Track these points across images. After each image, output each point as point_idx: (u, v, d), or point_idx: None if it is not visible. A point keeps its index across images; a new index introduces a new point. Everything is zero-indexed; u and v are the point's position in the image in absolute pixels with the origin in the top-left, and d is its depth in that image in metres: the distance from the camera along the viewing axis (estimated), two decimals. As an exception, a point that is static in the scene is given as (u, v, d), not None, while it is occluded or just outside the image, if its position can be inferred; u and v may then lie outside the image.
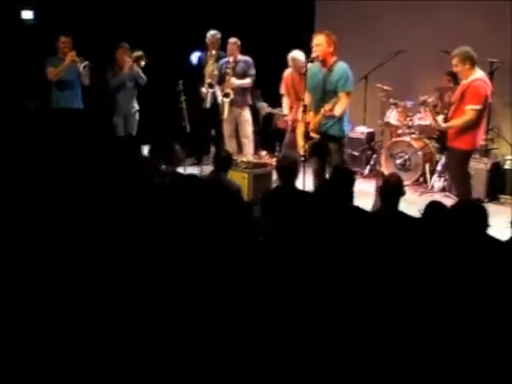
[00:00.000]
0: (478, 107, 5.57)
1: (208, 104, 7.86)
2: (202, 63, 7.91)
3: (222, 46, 7.76)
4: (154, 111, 8.00)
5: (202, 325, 2.86)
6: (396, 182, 4.20)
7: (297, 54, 7.11)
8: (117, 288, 3.12)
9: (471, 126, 5.65)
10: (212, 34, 7.77)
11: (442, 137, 6.29)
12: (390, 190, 4.14)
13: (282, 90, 7.37)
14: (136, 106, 7.68)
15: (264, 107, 8.31)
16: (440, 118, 6.04)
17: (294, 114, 6.87)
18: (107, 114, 7.54)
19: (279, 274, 3.14)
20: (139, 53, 7.52)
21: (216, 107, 7.81)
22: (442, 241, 3.42)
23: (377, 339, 2.76)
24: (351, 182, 4.44)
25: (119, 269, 3.26)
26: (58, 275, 3.22)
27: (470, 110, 5.58)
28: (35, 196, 4.14)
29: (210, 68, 7.79)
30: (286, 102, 7.36)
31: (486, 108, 5.76)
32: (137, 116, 7.69)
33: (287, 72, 7.28)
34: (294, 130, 6.77)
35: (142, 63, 7.52)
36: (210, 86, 7.81)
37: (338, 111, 5.67)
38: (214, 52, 7.77)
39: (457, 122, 5.71)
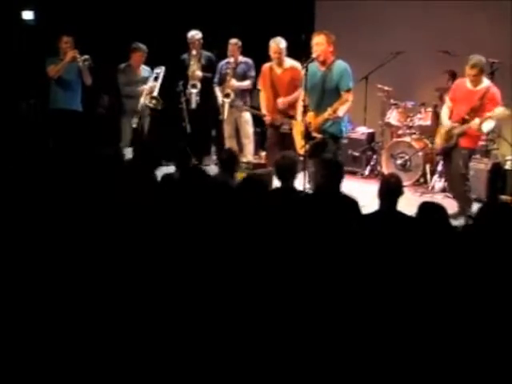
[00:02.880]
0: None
1: (193, 105, 7.85)
2: (184, 65, 7.89)
3: (222, 47, 7.75)
4: (155, 112, 7.99)
5: (201, 324, 2.86)
6: (395, 182, 4.20)
7: (279, 41, 6.65)
8: (118, 286, 3.12)
9: None
10: (192, 34, 7.72)
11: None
12: (389, 190, 4.14)
13: (259, 85, 7.03)
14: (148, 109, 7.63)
15: (240, 106, 7.72)
16: (476, 120, 5.99)
17: (272, 111, 6.71)
18: (115, 115, 7.52)
19: (278, 275, 3.13)
20: (155, 94, 7.45)
21: (216, 108, 7.81)
22: (440, 241, 3.42)
23: (375, 339, 2.76)
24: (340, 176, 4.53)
25: (122, 267, 3.26)
26: (58, 273, 3.22)
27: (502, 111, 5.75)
28: (35, 197, 4.14)
29: (192, 69, 7.78)
30: (263, 97, 6.92)
31: None
32: (149, 117, 7.65)
33: (266, 65, 6.84)
34: (274, 128, 6.69)
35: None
36: (193, 86, 7.80)
37: (341, 112, 5.68)
38: (195, 52, 7.75)
39: (488, 125, 5.88)
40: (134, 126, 7.35)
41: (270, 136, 6.83)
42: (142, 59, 7.47)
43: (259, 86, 6.97)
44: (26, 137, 6.25)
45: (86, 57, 7.10)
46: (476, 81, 5.87)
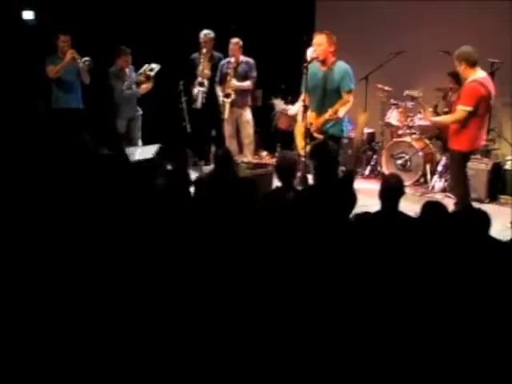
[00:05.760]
0: (467, 108, 5.51)
1: (199, 104, 7.85)
2: (194, 64, 7.90)
3: (222, 47, 7.75)
4: (155, 112, 8.00)
5: (201, 324, 2.86)
6: (396, 183, 4.20)
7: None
8: (118, 287, 3.12)
9: (466, 128, 5.59)
10: (205, 33, 7.74)
11: (443, 136, 6.32)
12: (391, 191, 4.14)
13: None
14: (140, 110, 7.72)
15: (279, 104, 8.19)
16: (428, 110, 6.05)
17: None
18: (109, 116, 7.56)
19: (279, 274, 3.13)
20: (152, 74, 7.55)
21: (216, 107, 7.81)
22: (442, 241, 3.42)
23: (376, 340, 2.75)
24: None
25: (119, 268, 3.26)
26: (58, 274, 3.22)
27: (459, 110, 5.58)
28: (35, 196, 4.14)
29: (202, 67, 7.78)
30: None
31: (481, 109, 5.61)
32: (140, 119, 7.73)
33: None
34: None
35: (144, 86, 7.58)
36: (201, 84, 7.80)
37: (342, 113, 5.69)
38: (205, 51, 7.75)
39: (444, 118, 5.78)
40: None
41: None
42: (130, 61, 7.57)
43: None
44: (29, 136, 6.24)
45: (87, 58, 7.16)
46: (461, 73, 5.74)
